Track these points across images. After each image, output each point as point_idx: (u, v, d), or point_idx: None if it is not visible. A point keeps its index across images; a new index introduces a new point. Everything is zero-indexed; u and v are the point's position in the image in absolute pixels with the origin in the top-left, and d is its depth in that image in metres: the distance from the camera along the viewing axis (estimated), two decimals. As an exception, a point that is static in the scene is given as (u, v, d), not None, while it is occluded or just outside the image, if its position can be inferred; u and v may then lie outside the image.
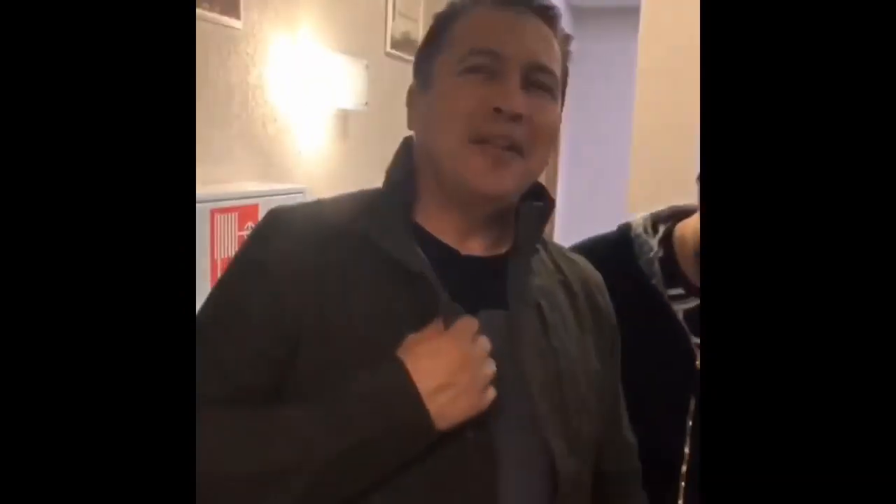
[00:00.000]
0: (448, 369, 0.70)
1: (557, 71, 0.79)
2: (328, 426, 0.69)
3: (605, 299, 0.91)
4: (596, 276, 0.92)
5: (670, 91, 2.39)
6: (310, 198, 0.88)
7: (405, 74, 0.85)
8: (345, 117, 2.46)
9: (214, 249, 1.60)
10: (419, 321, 0.73)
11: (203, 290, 0.77)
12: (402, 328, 0.73)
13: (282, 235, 0.77)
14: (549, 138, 0.79)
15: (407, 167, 0.82)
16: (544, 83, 0.77)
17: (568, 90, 0.84)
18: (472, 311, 0.75)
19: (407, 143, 0.84)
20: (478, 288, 0.79)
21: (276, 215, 0.80)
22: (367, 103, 2.44)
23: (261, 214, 1.75)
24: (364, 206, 0.80)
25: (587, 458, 0.81)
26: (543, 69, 0.77)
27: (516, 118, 0.74)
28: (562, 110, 0.83)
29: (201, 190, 1.61)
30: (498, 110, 0.74)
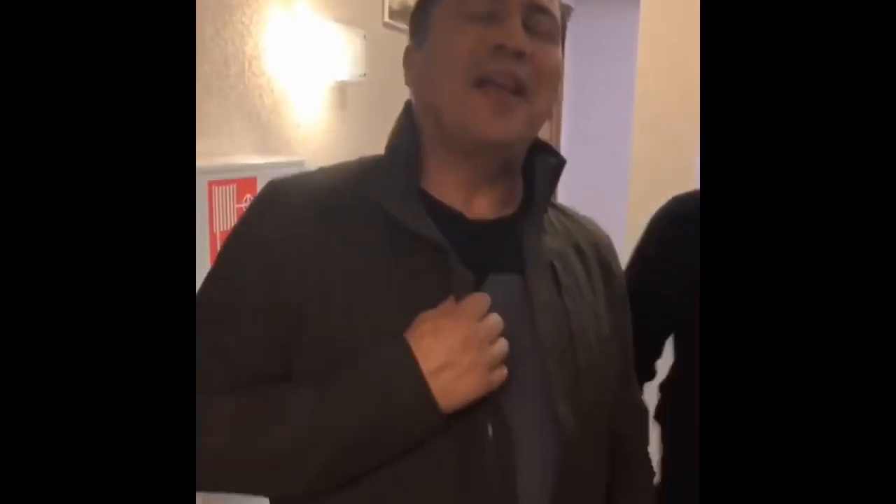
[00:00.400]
0: (450, 348, 0.69)
1: (557, 15, 0.77)
2: (331, 409, 0.69)
3: (615, 261, 0.89)
4: (606, 238, 0.90)
5: (671, 62, 2.37)
6: (308, 170, 0.86)
7: (403, 45, 0.83)
8: (343, 88, 2.44)
9: (213, 222, 1.59)
10: (429, 291, 0.72)
11: (202, 263, 0.76)
12: (410, 300, 0.71)
13: (280, 208, 0.75)
14: (552, 80, 0.76)
15: (409, 130, 0.79)
16: (545, 25, 0.75)
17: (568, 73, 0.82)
18: (484, 276, 0.74)
19: (408, 106, 0.81)
20: (488, 252, 0.77)
21: (273, 187, 0.78)
22: (365, 74, 2.41)
23: (259, 187, 1.74)
24: (366, 172, 0.78)
25: (594, 423, 0.80)
26: (544, 10, 0.75)
27: (519, 55, 0.71)
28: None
29: (198, 162, 1.60)
30: (500, 47, 0.71)
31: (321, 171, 0.82)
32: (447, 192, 0.78)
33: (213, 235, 1.57)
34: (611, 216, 0.97)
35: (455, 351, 0.69)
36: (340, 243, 0.73)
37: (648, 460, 0.96)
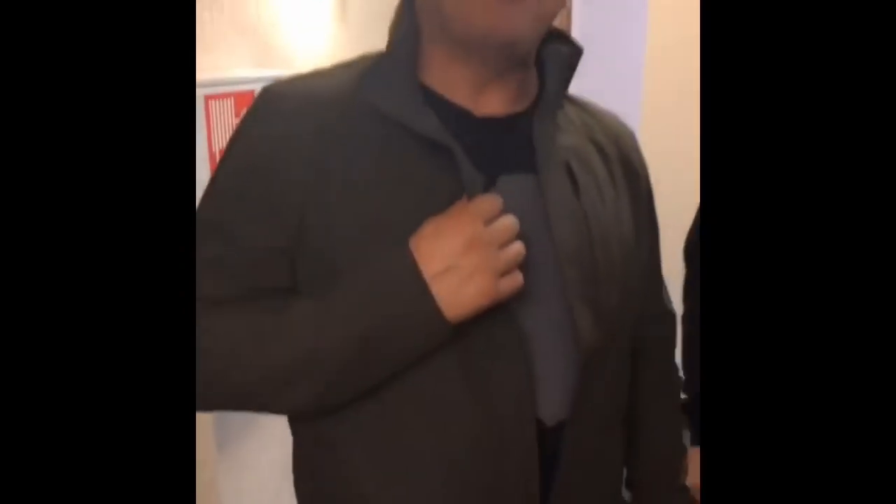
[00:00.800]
0: (452, 250, 0.64)
1: None
2: (333, 319, 0.66)
3: (640, 158, 0.85)
4: (629, 134, 0.85)
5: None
6: None
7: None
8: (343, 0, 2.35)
9: (211, 139, 1.55)
10: (435, 194, 0.68)
11: (201, 184, 0.74)
12: (414, 205, 0.68)
13: (277, 114, 0.71)
14: None
15: (410, 23, 0.73)
16: None
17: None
18: (495, 178, 0.70)
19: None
20: (499, 151, 0.72)
21: (268, 92, 0.74)
22: (365, -18, 2.32)
23: (257, 101, 1.69)
24: (365, 70, 0.74)
25: (615, 328, 0.77)
26: None
27: None
28: None
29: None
30: None
31: (317, 72, 0.77)
32: (453, 89, 0.73)
33: (211, 153, 1.54)
34: (623, 111, 0.91)
35: (458, 253, 0.64)
36: (339, 146, 0.70)
37: (675, 367, 0.93)
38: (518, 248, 0.66)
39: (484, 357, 0.69)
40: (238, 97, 1.64)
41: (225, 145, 0.75)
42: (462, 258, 0.64)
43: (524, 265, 0.68)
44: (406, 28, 0.73)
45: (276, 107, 0.72)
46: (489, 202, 0.66)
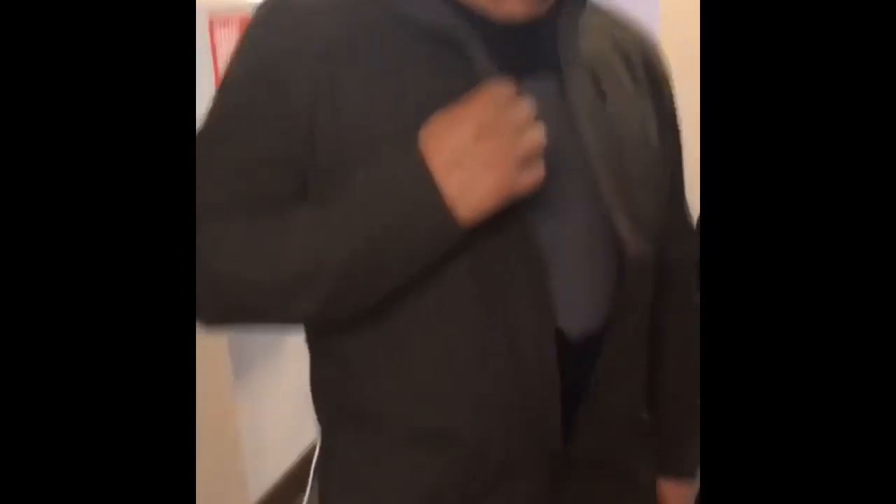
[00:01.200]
0: (462, 140, 0.59)
1: None
2: (337, 223, 0.63)
3: (663, 67, 0.82)
4: (654, 45, 0.82)
5: None
6: None
7: None
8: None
9: (217, 65, 1.52)
10: (452, 96, 0.63)
11: (205, 108, 0.71)
12: (430, 105, 0.63)
13: (282, 22, 0.68)
14: None
15: None
16: None
17: None
18: (516, 81, 0.64)
19: None
20: (521, 55, 0.69)
21: (271, 0, 0.70)
22: None
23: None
24: None
25: (652, 238, 0.74)
26: None
27: None
28: None
29: (197, -1, 1.51)
30: None
31: None
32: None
33: (217, 80, 1.51)
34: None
35: (469, 142, 0.59)
36: (350, 50, 0.66)
37: (695, 284, 0.92)
38: (537, 132, 0.61)
39: (498, 268, 0.66)
40: (243, 21, 1.60)
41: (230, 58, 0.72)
42: (474, 147, 0.59)
43: (549, 172, 0.63)
44: None
45: (280, 15, 0.69)
46: (503, 86, 0.61)
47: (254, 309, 0.68)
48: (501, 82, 0.62)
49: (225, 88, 0.71)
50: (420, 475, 0.72)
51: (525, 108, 0.61)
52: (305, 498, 2.28)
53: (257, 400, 2.23)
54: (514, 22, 0.70)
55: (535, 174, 0.61)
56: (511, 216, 0.64)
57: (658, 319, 0.83)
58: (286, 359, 2.35)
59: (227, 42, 1.57)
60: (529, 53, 0.69)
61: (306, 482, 2.28)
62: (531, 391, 0.69)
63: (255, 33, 0.70)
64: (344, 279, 0.64)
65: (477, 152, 0.59)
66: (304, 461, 2.39)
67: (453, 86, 0.64)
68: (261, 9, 0.70)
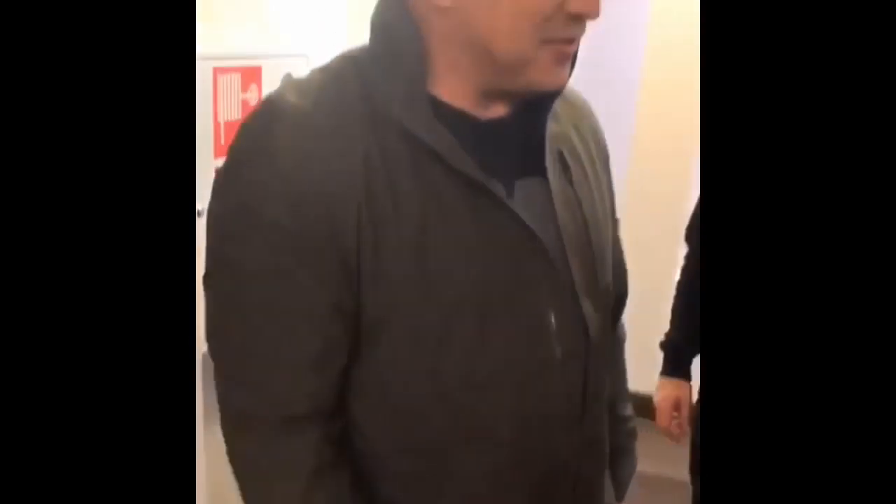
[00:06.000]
0: None
1: None
2: None
3: (600, 128, 0.89)
4: (589, 106, 0.89)
5: None
6: (313, 62, 0.81)
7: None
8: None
9: (217, 112, 1.57)
10: (482, 228, 0.70)
11: (206, 158, 0.73)
12: (465, 246, 0.69)
13: (301, 137, 0.66)
14: None
15: (407, 23, 0.69)
16: None
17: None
18: (511, 184, 0.72)
19: None
20: (508, 153, 0.74)
21: (276, 107, 0.68)
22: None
23: (264, 76, 1.70)
24: (368, 80, 0.70)
25: (610, 307, 0.83)
26: None
27: (593, 17, 0.68)
28: None
29: (202, 48, 1.56)
30: (578, 17, 0.67)
31: (306, 82, 0.71)
32: (459, 96, 0.72)
33: (216, 125, 1.55)
34: (616, 138, 0.97)
35: None
36: (381, 173, 0.67)
37: (624, 327, 1.02)
38: None
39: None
40: (245, 72, 1.65)
41: (232, 121, 0.72)
42: None
43: (545, 265, 0.73)
44: (405, 32, 0.69)
45: (295, 127, 0.66)
46: None
47: None
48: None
49: (231, 261, 0.67)
50: None
51: None
52: None
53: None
54: (500, 119, 0.74)
55: None
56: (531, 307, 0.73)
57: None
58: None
59: (228, 85, 1.61)
60: (517, 151, 0.75)
61: None
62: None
63: (254, 178, 0.66)
64: None
65: None
66: None
67: (484, 220, 0.70)
68: (262, 119, 0.68)
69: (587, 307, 0.77)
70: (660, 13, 2.53)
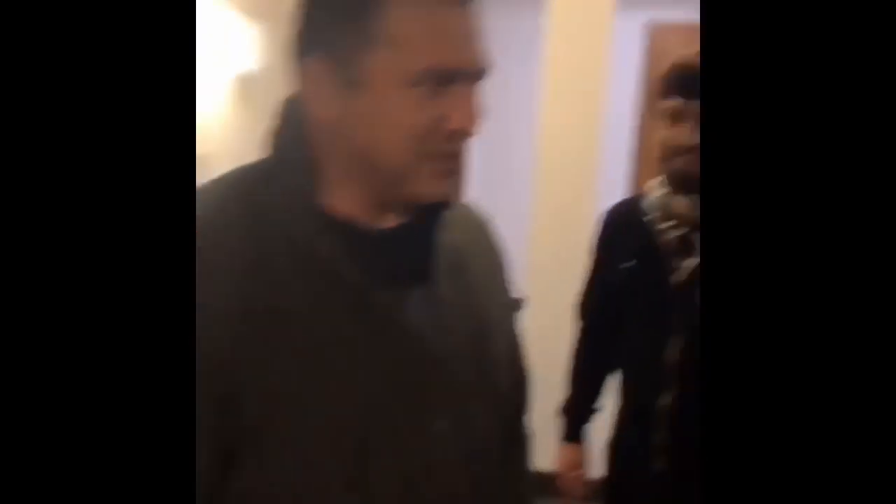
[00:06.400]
0: None
1: None
2: None
3: (494, 236, 0.91)
4: (481, 218, 0.91)
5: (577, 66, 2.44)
6: (207, 167, 0.81)
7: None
8: (243, 82, 2.39)
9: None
10: (346, 330, 0.70)
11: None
12: (331, 349, 0.69)
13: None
14: None
15: (297, 135, 0.73)
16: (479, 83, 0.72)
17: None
18: (400, 292, 0.73)
19: (292, 106, 0.74)
20: (399, 262, 0.75)
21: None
22: (266, 68, 2.37)
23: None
24: (260, 198, 0.71)
25: (505, 410, 0.85)
26: (483, 73, 0.71)
27: (472, 134, 0.70)
28: None
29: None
30: (459, 132, 0.69)
31: (206, 201, 0.70)
32: (350, 207, 0.74)
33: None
34: (514, 217, 0.99)
35: None
36: (266, 296, 0.68)
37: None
38: None
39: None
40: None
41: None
42: None
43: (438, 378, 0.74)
44: (296, 147, 0.72)
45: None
46: None
47: None
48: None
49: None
50: None
51: None
52: None
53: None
54: (391, 229, 0.75)
55: None
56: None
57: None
58: None
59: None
60: (405, 258, 0.76)
61: None
62: None
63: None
64: None
65: None
66: None
67: (370, 327, 0.71)
68: None
69: (479, 412, 0.78)
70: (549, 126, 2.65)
